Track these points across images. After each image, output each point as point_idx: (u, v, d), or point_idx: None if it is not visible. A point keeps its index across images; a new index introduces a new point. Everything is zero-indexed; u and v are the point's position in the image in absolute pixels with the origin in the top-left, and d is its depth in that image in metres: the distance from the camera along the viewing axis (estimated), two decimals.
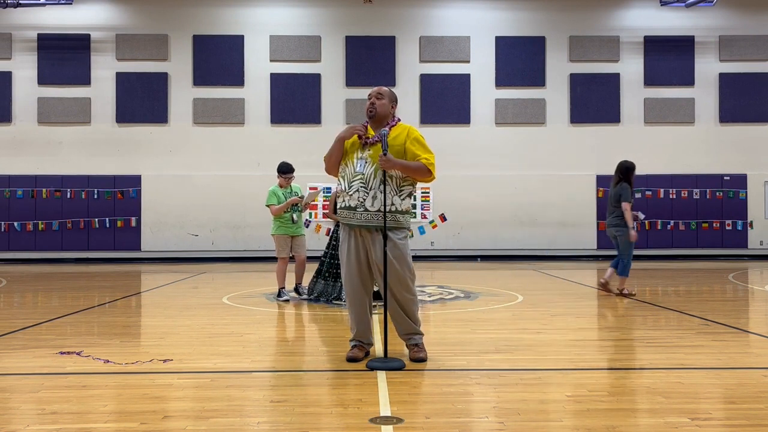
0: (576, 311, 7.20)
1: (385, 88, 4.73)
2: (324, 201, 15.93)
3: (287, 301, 7.95)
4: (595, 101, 16.77)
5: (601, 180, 16.58)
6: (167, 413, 3.43)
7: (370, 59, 16.56)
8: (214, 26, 16.56)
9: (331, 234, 8.37)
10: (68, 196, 16.07)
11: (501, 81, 16.72)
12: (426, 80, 16.64)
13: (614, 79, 16.78)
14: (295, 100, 16.51)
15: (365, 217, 4.47)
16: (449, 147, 16.00)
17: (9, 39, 16.41)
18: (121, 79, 16.42)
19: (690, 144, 16.76)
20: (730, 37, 16.89)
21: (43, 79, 16.40)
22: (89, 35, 16.47)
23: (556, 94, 16.77)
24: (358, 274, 4.60)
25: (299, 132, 16.43)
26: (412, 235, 16.09)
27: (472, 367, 4.45)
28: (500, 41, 16.75)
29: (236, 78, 16.51)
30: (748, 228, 16.59)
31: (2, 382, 4.08)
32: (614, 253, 8.78)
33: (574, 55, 16.79)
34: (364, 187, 4.47)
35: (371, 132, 4.62)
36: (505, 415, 3.36)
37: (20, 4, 15.83)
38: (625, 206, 8.24)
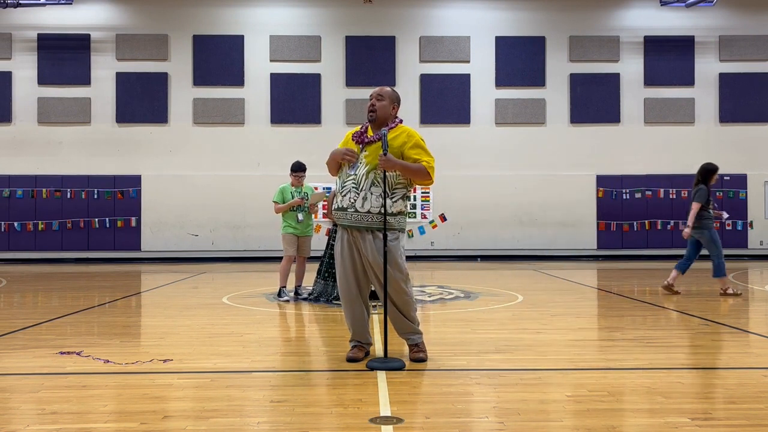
0: (576, 311, 7.20)
1: (387, 89, 4.69)
2: (324, 201, 15.93)
3: (287, 301, 7.95)
4: (595, 101, 16.77)
5: (601, 180, 16.59)
6: (167, 413, 3.43)
7: (370, 59, 16.56)
8: (214, 26, 16.56)
9: (330, 234, 8.36)
10: (68, 196, 16.07)
11: (501, 81, 16.72)
12: (426, 80, 16.64)
13: (614, 79, 16.78)
14: (295, 100, 16.51)
15: (355, 217, 4.47)
16: (449, 147, 16.00)
17: (9, 39, 16.42)
18: (121, 79, 16.43)
19: (690, 144, 16.76)
20: (730, 37, 16.89)
21: (43, 79, 16.40)
22: (89, 35, 16.47)
23: (556, 94, 16.77)
24: (351, 274, 4.59)
25: (299, 132, 16.43)
26: (412, 235, 16.12)
27: (472, 367, 4.45)
28: (500, 41, 16.76)
29: (236, 78, 16.51)
30: (748, 228, 16.59)
31: (2, 382, 4.08)
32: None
33: (574, 55, 16.79)
34: (355, 188, 4.48)
35: (371, 133, 4.62)
36: (505, 415, 3.36)
37: (20, 4, 15.84)
38: (694, 206, 8.39)
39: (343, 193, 4.54)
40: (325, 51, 16.64)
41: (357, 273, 4.60)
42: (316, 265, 8.31)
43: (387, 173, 4.46)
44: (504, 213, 16.45)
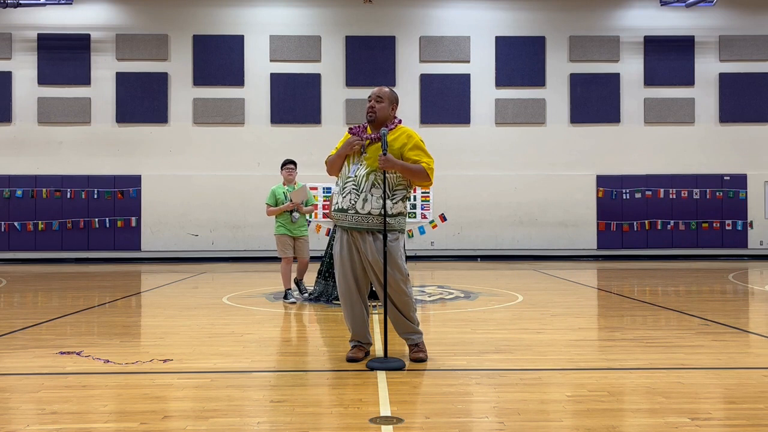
0: (576, 311, 7.20)
1: (386, 89, 4.67)
2: (324, 201, 15.94)
3: (294, 302, 7.86)
4: (595, 101, 16.77)
5: (601, 180, 16.60)
6: (167, 413, 3.43)
7: (370, 59, 16.56)
8: (214, 26, 16.57)
9: (331, 234, 8.35)
10: (68, 196, 16.08)
11: (501, 81, 16.72)
12: (426, 80, 16.64)
13: (614, 79, 16.79)
14: (295, 100, 16.52)
15: (356, 219, 4.48)
16: (449, 147, 16.02)
17: (9, 39, 16.42)
18: (121, 79, 16.43)
19: (690, 144, 16.77)
20: (730, 37, 16.89)
21: (43, 79, 16.40)
22: (89, 35, 16.47)
23: (556, 94, 16.77)
24: (351, 275, 4.60)
25: (299, 132, 16.44)
26: (411, 235, 16.13)
27: (472, 367, 4.45)
28: (500, 41, 16.76)
29: (236, 78, 16.51)
30: (748, 228, 16.59)
31: (2, 382, 4.08)
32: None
33: (574, 55, 16.79)
34: (355, 190, 4.48)
35: (369, 132, 4.62)
36: (505, 415, 3.36)
37: (20, 4, 15.84)
38: None
39: (343, 195, 4.53)
40: (325, 51, 16.64)
41: (357, 274, 4.60)
42: (314, 265, 8.31)
43: (387, 174, 4.46)
44: (504, 213, 16.45)
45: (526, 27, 16.85)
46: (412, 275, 5.28)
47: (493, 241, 16.41)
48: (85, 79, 16.42)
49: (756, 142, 16.82)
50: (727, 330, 5.87)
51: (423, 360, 4.53)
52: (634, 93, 16.85)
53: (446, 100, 16.64)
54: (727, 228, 16.56)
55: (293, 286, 8.33)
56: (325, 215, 15.58)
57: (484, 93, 16.72)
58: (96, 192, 16.12)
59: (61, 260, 15.98)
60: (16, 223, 16.01)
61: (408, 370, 4.33)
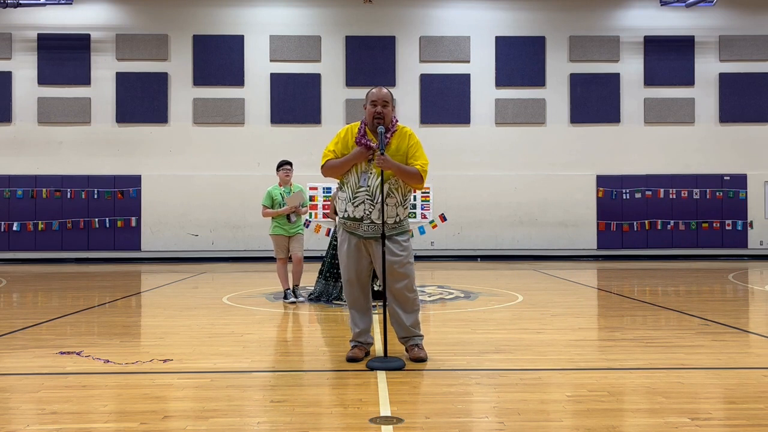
0: (576, 311, 7.19)
1: (387, 92, 4.63)
2: (324, 201, 15.94)
3: (294, 302, 7.84)
4: (595, 101, 16.77)
5: (601, 180, 16.60)
6: (167, 413, 3.43)
7: (370, 59, 16.56)
8: (214, 26, 16.57)
9: (331, 234, 8.35)
10: (68, 196, 16.08)
11: (501, 81, 16.72)
12: (426, 80, 16.64)
13: (614, 79, 16.78)
14: (295, 100, 16.52)
15: (372, 228, 4.50)
16: (449, 147, 16.02)
17: (9, 39, 16.42)
18: (121, 79, 16.43)
19: (690, 144, 16.77)
20: (730, 37, 16.89)
21: (43, 79, 16.40)
22: (89, 35, 16.47)
23: (556, 94, 16.77)
24: (359, 277, 4.63)
25: (299, 132, 16.43)
26: (412, 235, 16.12)
27: (472, 367, 4.45)
28: (500, 41, 16.76)
29: (236, 78, 16.51)
30: (748, 228, 16.59)
31: (2, 382, 4.08)
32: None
33: (574, 55, 16.79)
34: (369, 200, 4.48)
35: (371, 136, 4.57)
36: (505, 415, 3.36)
37: (20, 4, 15.84)
38: None
39: (355, 204, 4.51)
40: (325, 51, 16.64)
41: (365, 277, 4.65)
42: (314, 265, 8.30)
43: (393, 181, 4.48)
44: (504, 213, 16.45)
45: (526, 27, 16.85)
46: None
47: (493, 241, 16.41)
48: (85, 79, 16.43)
49: (756, 142, 16.82)
50: (727, 330, 5.86)
51: (423, 360, 4.53)
52: (634, 93, 16.85)
53: (446, 100, 16.64)
54: (727, 228, 16.56)
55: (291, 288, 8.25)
56: (325, 215, 15.58)
57: (484, 93, 16.72)
58: (96, 192, 16.12)
59: (61, 260, 15.98)
60: (15, 223, 16.01)
61: (408, 370, 4.33)
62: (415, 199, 16.23)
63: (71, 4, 16.14)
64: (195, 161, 16.37)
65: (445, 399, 3.66)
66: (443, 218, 15.15)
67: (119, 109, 16.43)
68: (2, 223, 16.01)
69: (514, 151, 16.63)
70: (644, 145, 16.73)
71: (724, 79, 16.86)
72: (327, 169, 4.63)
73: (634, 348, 5.05)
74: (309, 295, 8.19)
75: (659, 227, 16.50)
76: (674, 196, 16.55)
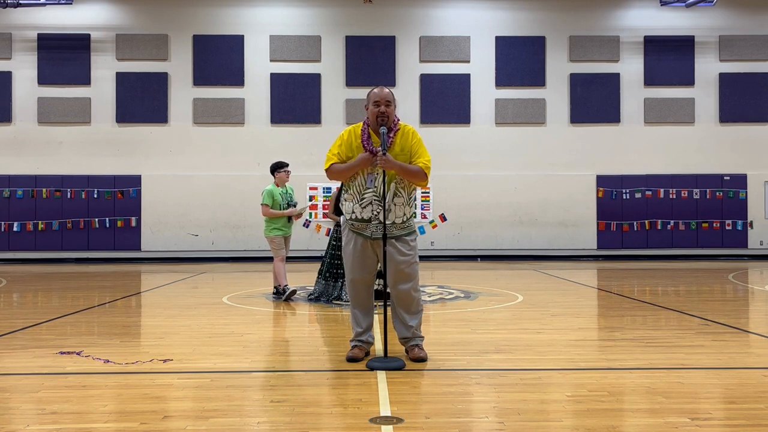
0: (576, 311, 7.20)
1: (388, 91, 4.63)
2: (324, 201, 15.94)
3: (294, 292, 7.97)
4: (595, 101, 16.77)
5: (601, 180, 16.60)
6: (167, 413, 3.43)
7: (370, 59, 16.56)
8: (214, 26, 16.56)
9: (331, 234, 8.35)
10: (68, 196, 16.07)
11: (501, 81, 16.72)
12: (426, 80, 16.64)
13: (614, 79, 16.78)
14: (295, 100, 16.51)
15: (380, 229, 4.52)
16: (449, 147, 16.02)
17: (9, 39, 16.42)
18: (121, 79, 16.43)
19: (690, 144, 16.77)
20: (730, 37, 16.89)
21: (43, 79, 16.40)
22: (89, 35, 16.47)
23: (556, 94, 16.77)
24: (366, 279, 4.64)
25: (299, 132, 16.43)
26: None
27: (472, 367, 4.45)
28: (500, 41, 16.76)
29: (236, 78, 16.51)
30: (748, 228, 16.59)
31: (2, 382, 4.08)
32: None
33: (574, 55, 16.79)
34: (377, 201, 4.49)
35: (375, 138, 4.56)
36: (505, 415, 3.36)
37: (20, 4, 15.83)
38: None
39: (363, 205, 4.52)
40: (325, 51, 16.64)
41: (370, 278, 4.66)
42: (314, 265, 8.30)
43: (398, 180, 4.49)
44: (504, 213, 16.45)
45: (526, 27, 16.85)
46: None
47: (493, 241, 16.41)
48: (85, 79, 16.42)
49: (756, 142, 16.82)
50: (727, 330, 5.87)
51: (423, 360, 4.54)
52: (634, 93, 16.85)
53: (446, 100, 16.64)
54: (727, 228, 16.56)
55: (281, 288, 8.24)
56: (325, 215, 15.57)
57: (484, 93, 16.72)
58: (96, 192, 16.12)
59: (61, 260, 15.98)
60: (15, 223, 16.00)
61: (408, 370, 4.33)
62: (415, 199, 16.20)
63: (71, 4, 16.14)
64: (195, 161, 16.37)
65: (445, 399, 3.66)
66: (443, 218, 15.13)
67: (119, 109, 16.43)
68: (2, 223, 16.01)
69: (514, 151, 16.63)
70: (644, 145, 16.73)
71: (724, 79, 16.86)
72: (332, 173, 4.60)
73: (634, 348, 5.05)
74: (309, 295, 8.20)
75: (659, 227, 16.50)
76: (674, 196, 16.55)
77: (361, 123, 4.67)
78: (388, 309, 4.63)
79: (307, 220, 10.31)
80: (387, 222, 4.49)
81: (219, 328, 6.08)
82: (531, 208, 16.46)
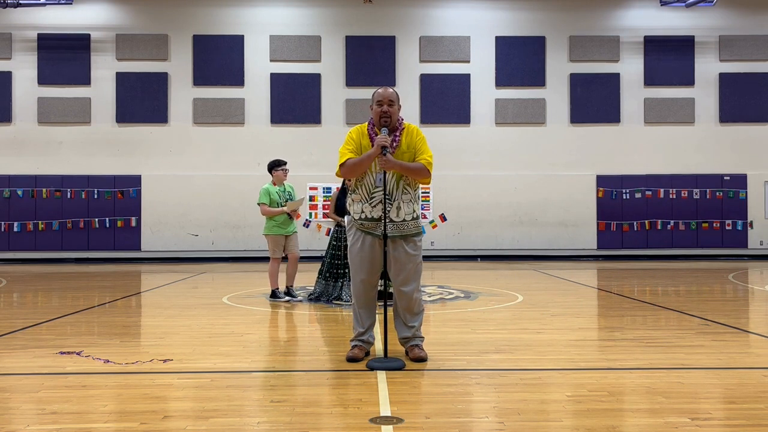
0: (576, 311, 7.20)
1: (392, 91, 4.62)
2: (324, 201, 15.93)
3: (288, 301, 7.89)
4: (595, 101, 16.77)
5: (601, 180, 16.60)
6: (167, 413, 3.43)
7: (370, 59, 16.56)
8: (214, 26, 16.56)
9: (331, 234, 8.34)
10: (68, 196, 16.07)
11: (501, 81, 16.72)
12: (426, 80, 16.64)
13: (614, 79, 16.78)
14: (295, 100, 16.51)
15: (391, 227, 4.52)
16: (449, 147, 16.01)
17: (9, 39, 16.42)
18: (121, 79, 16.43)
19: (690, 144, 16.77)
20: (730, 37, 16.89)
21: (43, 79, 16.40)
22: (89, 35, 16.47)
23: (556, 94, 16.77)
24: (371, 279, 4.63)
25: (299, 132, 16.43)
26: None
27: (472, 367, 4.45)
28: (500, 41, 16.76)
29: (236, 78, 16.51)
30: (748, 228, 16.59)
31: (2, 382, 4.08)
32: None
33: (574, 55, 16.79)
34: (388, 199, 4.51)
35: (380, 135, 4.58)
36: (505, 415, 3.36)
37: (20, 4, 15.84)
38: None
39: (372, 204, 4.53)
40: (325, 51, 16.64)
41: (377, 277, 4.66)
42: (314, 265, 8.30)
43: (410, 179, 4.53)
44: (504, 213, 16.45)
45: (526, 27, 16.85)
46: None
47: (493, 241, 16.41)
48: (85, 79, 16.42)
49: (756, 142, 16.82)
50: (727, 330, 5.87)
51: (423, 360, 4.54)
52: (634, 93, 16.85)
53: (446, 100, 16.64)
54: (727, 228, 16.56)
55: (283, 291, 8.21)
56: (325, 215, 15.57)
57: (484, 93, 16.72)
58: (96, 192, 16.12)
59: (61, 260, 15.98)
60: (15, 223, 16.00)
61: (408, 370, 4.33)
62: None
63: (71, 4, 16.14)
64: (195, 161, 16.37)
65: (445, 399, 3.66)
66: (443, 218, 15.13)
67: (119, 109, 16.43)
68: (2, 223, 16.01)
69: (514, 151, 16.63)
70: (644, 145, 16.73)
71: (724, 79, 16.86)
72: (346, 169, 4.55)
73: (634, 348, 5.05)
74: (309, 295, 8.20)
75: (659, 227, 16.50)
76: (674, 196, 16.55)
77: (366, 123, 4.69)
78: (389, 309, 4.63)
79: (307, 219, 10.29)
80: (397, 219, 4.52)
81: (219, 328, 6.08)
82: (531, 208, 16.46)
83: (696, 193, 16.57)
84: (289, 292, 8.12)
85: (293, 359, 4.87)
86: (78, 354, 4.82)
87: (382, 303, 4.64)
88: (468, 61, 16.72)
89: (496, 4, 16.86)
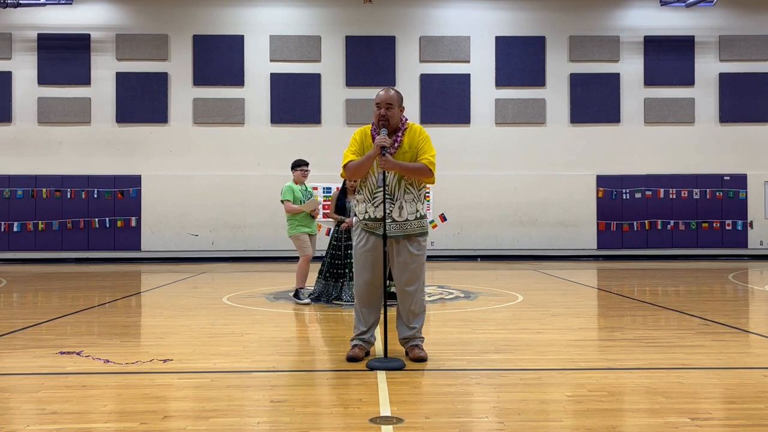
0: (576, 311, 7.20)
1: (393, 93, 4.58)
2: (324, 201, 15.93)
3: (308, 303, 7.69)
4: (595, 101, 16.77)
5: (601, 180, 16.59)
6: (167, 413, 3.43)
7: (370, 59, 16.56)
8: (214, 26, 16.56)
9: (331, 234, 8.34)
10: (68, 196, 16.07)
11: (501, 81, 16.72)
12: (426, 80, 16.64)
13: (614, 79, 16.78)
14: (295, 100, 16.51)
15: (393, 227, 4.52)
16: (449, 147, 16.00)
17: (9, 39, 16.42)
18: (121, 79, 16.43)
19: (690, 144, 16.77)
20: (730, 37, 16.89)
21: (43, 79, 16.40)
22: (89, 35, 16.47)
23: (556, 94, 16.77)
24: (375, 279, 4.62)
25: (299, 132, 16.43)
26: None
27: (472, 367, 4.45)
28: (500, 41, 16.76)
29: (236, 78, 16.51)
30: (748, 228, 16.59)
31: (2, 382, 4.08)
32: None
33: (574, 55, 16.79)
34: (389, 199, 4.51)
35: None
36: (505, 415, 3.36)
37: (20, 4, 15.83)
38: None
39: (375, 204, 4.53)
40: (325, 51, 16.63)
41: (381, 277, 4.65)
42: (314, 265, 8.29)
43: (412, 178, 4.52)
44: (504, 213, 16.45)
45: (526, 27, 16.85)
46: None
47: (493, 241, 16.41)
48: (85, 79, 16.42)
49: (756, 142, 16.82)
50: (727, 330, 5.87)
51: (423, 360, 4.54)
52: (634, 93, 16.85)
53: (446, 100, 16.64)
54: (727, 228, 16.56)
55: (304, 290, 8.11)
56: (325, 215, 15.56)
57: (484, 93, 16.72)
58: (96, 192, 16.12)
59: (61, 260, 15.98)
60: (15, 223, 16.00)
61: (408, 370, 4.33)
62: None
63: (71, 4, 16.14)
64: (195, 161, 16.37)
65: (445, 399, 3.66)
66: (443, 218, 15.15)
67: (119, 109, 16.43)
68: (2, 223, 16.01)
69: (514, 151, 16.63)
70: (644, 145, 16.73)
71: (724, 79, 16.86)
72: (349, 170, 4.56)
73: (634, 348, 5.05)
74: (309, 295, 8.19)
75: (659, 227, 16.50)
76: (674, 196, 16.55)
77: (370, 125, 4.70)
78: (390, 309, 4.63)
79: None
80: (400, 219, 4.52)
81: (219, 328, 6.08)
82: (531, 208, 16.46)
83: (696, 193, 16.57)
84: (298, 294, 8.04)
85: (293, 359, 4.87)
86: (78, 354, 4.82)
87: (384, 303, 4.64)
88: (468, 61, 16.72)
89: (496, 4, 16.86)
